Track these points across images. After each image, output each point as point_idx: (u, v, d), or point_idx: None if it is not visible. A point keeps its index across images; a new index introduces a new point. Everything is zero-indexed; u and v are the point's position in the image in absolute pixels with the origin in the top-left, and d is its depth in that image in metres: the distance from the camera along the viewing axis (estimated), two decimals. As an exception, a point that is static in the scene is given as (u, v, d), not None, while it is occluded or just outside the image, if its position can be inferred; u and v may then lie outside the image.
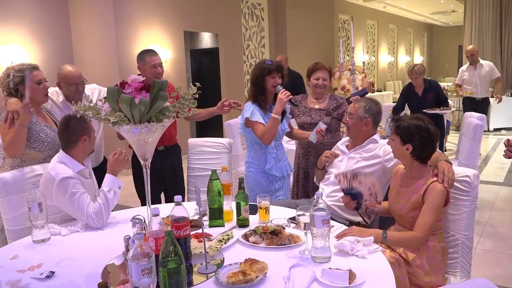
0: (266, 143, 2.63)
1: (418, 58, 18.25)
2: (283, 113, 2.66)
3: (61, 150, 2.13)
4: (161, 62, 2.88)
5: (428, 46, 19.67)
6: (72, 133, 2.09)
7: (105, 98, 1.51)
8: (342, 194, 2.23)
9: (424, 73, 4.78)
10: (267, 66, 2.60)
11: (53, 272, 1.55)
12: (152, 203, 1.72)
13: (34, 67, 2.45)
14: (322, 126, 2.65)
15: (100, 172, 2.36)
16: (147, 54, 2.83)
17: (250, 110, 2.61)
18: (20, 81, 2.39)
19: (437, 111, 4.80)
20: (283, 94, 2.53)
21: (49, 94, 2.55)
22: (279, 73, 2.62)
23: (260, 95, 2.64)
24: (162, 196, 3.25)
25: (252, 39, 8.73)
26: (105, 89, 3.03)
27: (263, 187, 2.73)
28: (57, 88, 2.72)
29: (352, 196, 2.16)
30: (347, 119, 2.44)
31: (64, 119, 2.15)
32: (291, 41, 9.24)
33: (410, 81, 4.92)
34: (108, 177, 2.11)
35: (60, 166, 2.05)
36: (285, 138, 4.29)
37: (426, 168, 1.95)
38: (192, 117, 1.62)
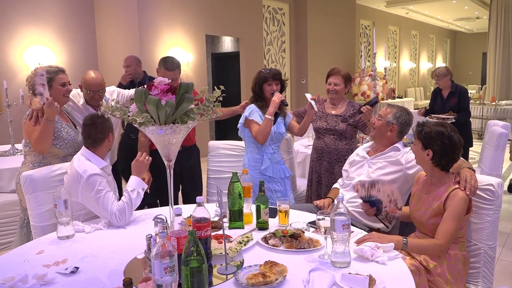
0: (260, 143, 2.75)
1: (440, 65, 17.94)
2: (276, 115, 2.76)
3: (83, 147, 2.19)
4: (174, 78, 2.76)
5: (451, 53, 19.36)
6: (100, 132, 2.18)
7: (132, 99, 1.55)
8: (361, 201, 2.22)
9: (447, 75, 4.62)
10: (263, 75, 2.77)
11: (77, 268, 1.60)
12: (167, 204, 1.75)
13: (60, 70, 2.56)
14: (308, 96, 2.74)
15: (114, 173, 2.44)
16: (163, 66, 2.82)
17: (250, 110, 2.77)
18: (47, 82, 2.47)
19: (442, 115, 4.51)
20: (276, 97, 2.69)
21: (70, 96, 2.65)
22: (275, 80, 2.76)
23: (258, 101, 2.79)
24: (180, 197, 3.27)
25: (273, 43, 8.75)
26: (123, 91, 3.11)
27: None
28: (79, 90, 2.83)
29: (371, 204, 2.15)
30: (375, 120, 2.44)
31: (89, 118, 2.22)
32: (312, 46, 9.24)
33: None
34: (133, 179, 2.17)
35: (87, 163, 2.12)
36: (305, 142, 4.34)
37: (448, 175, 1.93)
38: (214, 117, 1.65)
